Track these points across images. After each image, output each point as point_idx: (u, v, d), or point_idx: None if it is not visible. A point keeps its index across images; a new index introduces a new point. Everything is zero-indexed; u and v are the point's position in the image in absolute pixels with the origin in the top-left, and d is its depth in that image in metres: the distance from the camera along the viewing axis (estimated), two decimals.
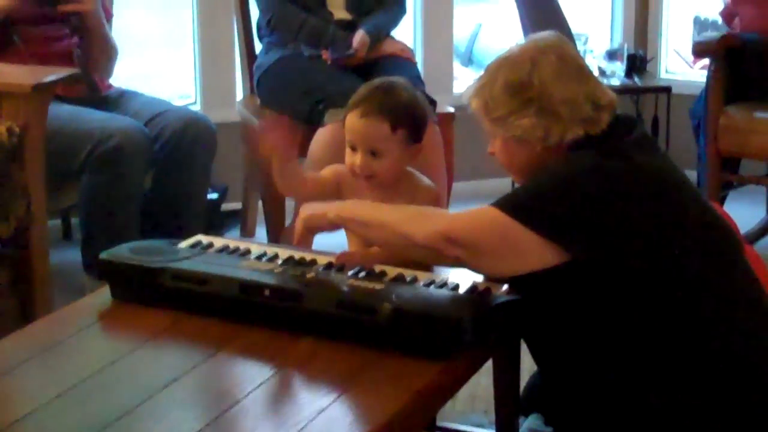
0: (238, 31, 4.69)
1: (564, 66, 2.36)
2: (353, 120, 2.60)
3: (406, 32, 5.07)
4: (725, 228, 2.40)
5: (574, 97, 2.33)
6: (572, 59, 2.39)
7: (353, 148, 2.61)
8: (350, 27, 4.25)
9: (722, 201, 4.62)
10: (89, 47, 3.96)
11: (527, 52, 2.37)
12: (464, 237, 2.25)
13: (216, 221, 4.62)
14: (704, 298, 2.27)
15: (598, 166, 2.27)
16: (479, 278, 2.37)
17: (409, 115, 2.61)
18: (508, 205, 2.27)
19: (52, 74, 3.42)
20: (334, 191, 2.70)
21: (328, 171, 2.73)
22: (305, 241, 2.52)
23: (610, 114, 2.36)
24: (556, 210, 2.24)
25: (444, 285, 2.33)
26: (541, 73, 2.33)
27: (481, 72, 2.45)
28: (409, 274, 2.39)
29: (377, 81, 2.69)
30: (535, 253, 2.24)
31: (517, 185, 2.49)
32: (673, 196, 2.31)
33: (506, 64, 2.38)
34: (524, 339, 2.45)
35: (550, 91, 2.32)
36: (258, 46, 4.53)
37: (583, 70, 2.40)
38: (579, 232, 2.23)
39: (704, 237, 2.32)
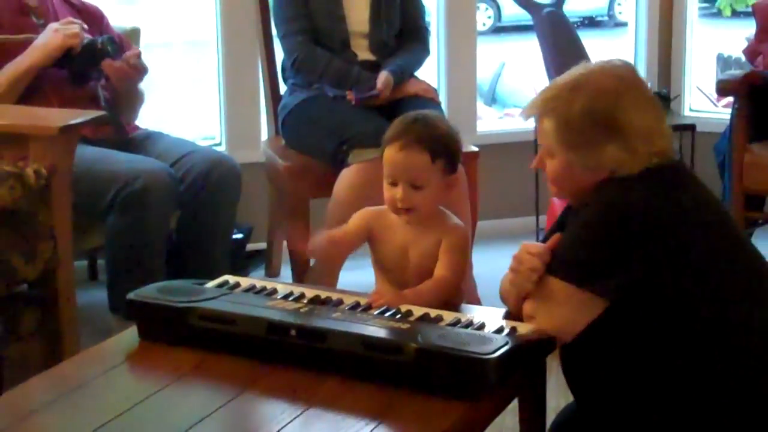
0: (262, 72, 4.72)
1: (643, 100, 2.37)
2: (393, 153, 2.60)
3: (430, 72, 5.09)
4: (758, 258, 2.40)
5: (651, 132, 2.34)
6: (647, 92, 2.41)
7: (393, 183, 2.61)
8: (374, 68, 4.28)
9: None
10: (116, 94, 3.99)
11: (608, 81, 2.35)
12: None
13: (241, 261, 4.63)
14: (740, 332, 2.27)
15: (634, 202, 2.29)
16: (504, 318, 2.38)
17: (446, 145, 2.63)
18: (555, 267, 2.32)
19: (78, 116, 3.44)
20: (366, 237, 2.71)
21: (356, 219, 2.73)
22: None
23: (672, 145, 2.39)
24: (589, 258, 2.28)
25: (469, 324, 2.33)
26: (625, 108, 2.32)
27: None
28: (434, 313, 2.39)
29: (412, 114, 2.69)
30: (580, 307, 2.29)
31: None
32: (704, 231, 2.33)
33: (586, 89, 2.35)
34: (564, 371, 2.46)
35: (632, 126, 2.31)
36: (282, 87, 4.55)
37: (655, 103, 2.41)
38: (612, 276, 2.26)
39: (739, 268, 2.34)
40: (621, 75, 2.38)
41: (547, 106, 2.38)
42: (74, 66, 3.85)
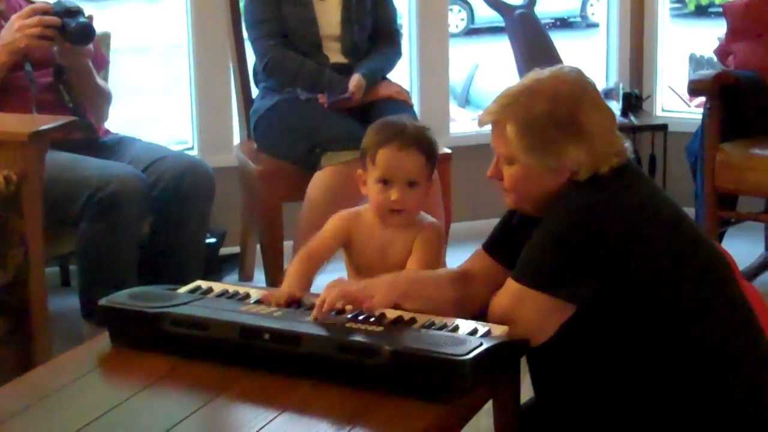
0: (234, 76, 4.71)
1: (597, 102, 2.41)
2: (391, 153, 2.63)
3: (403, 74, 5.09)
4: (716, 255, 2.43)
5: (610, 133, 2.38)
6: (599, 95, 2.44)
7: (387, 183, 2.63)
8: (346, 71, 4.27)
9: (720, 238, 4.62)
10: (76, 94, 3.95)
11: (563, 85, 2.39)
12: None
13: (214, 266, 4.61)
14: (698, 328, 2.31)
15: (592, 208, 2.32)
16: (479, 320, 2.38)
17: (435, 149, 2.71)
18: (523, 274, 2.34)
19: (48, 122, 3.42)
20: (345, 240, 2.72)
21: (334, 223, 2.73)
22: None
23: (624, 145, 2.42)
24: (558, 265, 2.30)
25: (444, 326, 2.33)
26: (584, 110, 2.36)
27: (490, 104, 2.46)
28: (408, 316, 2.39)
29: (396, 118, 2.76)
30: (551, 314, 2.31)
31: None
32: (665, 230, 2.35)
33: (544, 93, 2.37)
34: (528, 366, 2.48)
35: (592, 128, 2.35)
36: (254, 91, 4.54)
37: (607, 105, 2.45)
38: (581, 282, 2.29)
39: (696, 266, 2.36)
40: (574, 80, 2.42)
41: (505, 111, 2.40)
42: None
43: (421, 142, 2.66)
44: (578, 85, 2.40)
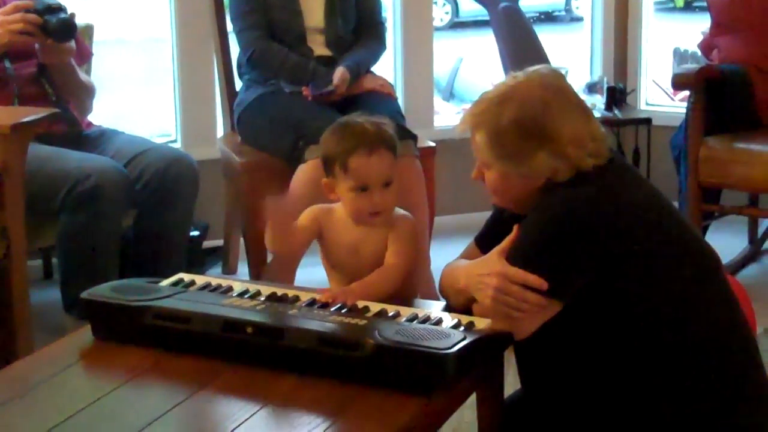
0: (218, 69, 4.70)
1: (571, 106, 2.39)
2: (363, 161, 2.60)
3: (387, 67, 5.08)
4: (704, 249, 2.43)
5: (581, 137, 2.36)
6: (575, 97, 2.43)
7: (363, 189, 2.61)
8: (330, 63, 4.26)
9: (704, 231, 4.62)
10: (59, 87, 3.93)
11: (535, 91, 2.38)
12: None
13: (197, 258, 4.60)
14: (686, 322, 2.31)
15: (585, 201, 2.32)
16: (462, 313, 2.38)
17: (395, 139, 2.68)
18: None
19: (30, 114, 3.41)
20: (317, 233, 2.71)
21: (306, 218, 2.72)
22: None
23: (605, 145, 2.40)
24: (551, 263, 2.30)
25: (427, 320, 2.33)
26: (553, 116, 2.35)
27: (468, 104, 2.46)
28: (391, 309, 2.39)
29: (345, 122, 2.73)
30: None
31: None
32: (651, 226, 2.35)
33: (513, 100, 2.37)
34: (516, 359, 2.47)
35: (561, 133, 2.34)
36: (238, 83, 4.53)
37: (584, 107, 2.44)
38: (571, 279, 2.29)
39: (683, 260, 2.36)
40: (547, 84, 2.41)
41: (476, 120, 2.42)
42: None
43: (385, 138, 2.64)
44: (550, 89, 2.39)
